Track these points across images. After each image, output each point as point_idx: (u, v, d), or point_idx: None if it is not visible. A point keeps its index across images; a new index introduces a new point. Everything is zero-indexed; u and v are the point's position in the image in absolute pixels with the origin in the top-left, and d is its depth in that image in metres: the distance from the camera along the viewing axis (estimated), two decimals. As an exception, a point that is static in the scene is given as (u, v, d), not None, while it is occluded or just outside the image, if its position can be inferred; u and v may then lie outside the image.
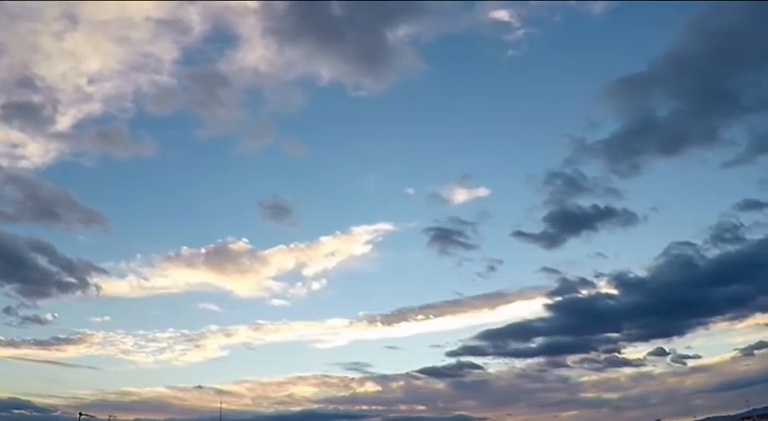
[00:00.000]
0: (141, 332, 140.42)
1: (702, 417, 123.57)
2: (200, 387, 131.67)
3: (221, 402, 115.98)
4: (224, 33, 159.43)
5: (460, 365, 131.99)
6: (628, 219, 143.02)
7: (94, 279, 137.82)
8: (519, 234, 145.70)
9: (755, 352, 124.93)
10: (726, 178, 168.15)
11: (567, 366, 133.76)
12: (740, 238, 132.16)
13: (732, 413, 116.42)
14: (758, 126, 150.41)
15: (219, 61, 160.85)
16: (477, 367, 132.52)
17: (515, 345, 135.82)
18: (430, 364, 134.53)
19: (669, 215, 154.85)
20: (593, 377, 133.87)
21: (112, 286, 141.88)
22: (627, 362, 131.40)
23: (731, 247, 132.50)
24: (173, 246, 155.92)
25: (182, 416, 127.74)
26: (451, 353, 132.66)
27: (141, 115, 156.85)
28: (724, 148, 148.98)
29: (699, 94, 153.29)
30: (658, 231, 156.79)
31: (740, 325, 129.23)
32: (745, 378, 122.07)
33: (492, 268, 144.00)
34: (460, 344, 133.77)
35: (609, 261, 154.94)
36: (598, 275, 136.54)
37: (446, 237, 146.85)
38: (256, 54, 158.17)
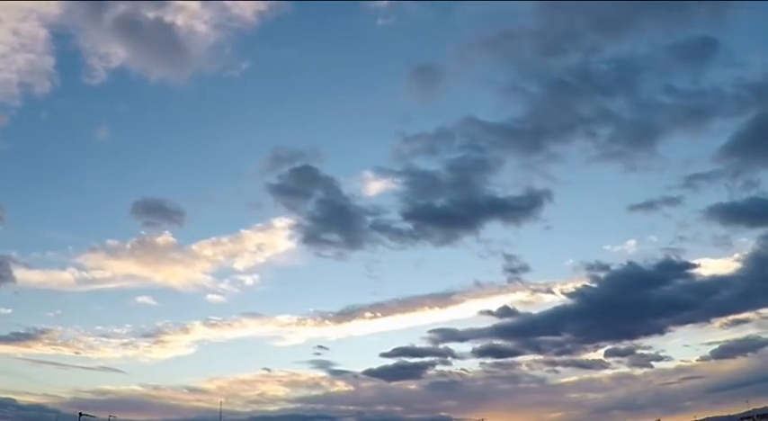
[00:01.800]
0: (99, 327, 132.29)
1: (702, 418, 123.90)
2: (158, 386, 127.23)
3: (221, 403, 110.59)
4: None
5: (424, 365, 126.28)
6: (506, 218, 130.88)
7: (18, 271, 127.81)
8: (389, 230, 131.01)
9: (728, 354, 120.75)
10: (599, 175, 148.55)
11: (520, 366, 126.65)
12: (647, 242, 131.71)
13: (732, 413, 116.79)
14: (624, 110, 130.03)
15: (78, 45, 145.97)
16: (439, 365, 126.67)
17: (471, 345, 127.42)
18: (384, 364, 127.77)
19: (553, 215, 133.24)
20: (575, 378, 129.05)
21: (55, 279, 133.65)
22: (586, 365, 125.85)
23: (640, 250, 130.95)
24: (95, 239, 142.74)
25: (171, 415, 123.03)
26: (412, 353, 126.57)
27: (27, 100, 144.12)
28: (586, 142, 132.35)
29: (523, 80, 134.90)
30: (539, 233, 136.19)
31: (700, 328, 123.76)
32: (734, 379, 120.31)
33: (371, 270, 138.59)
34: (419, 344, 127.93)
35: (503, 261, 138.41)
36: (503, 272, 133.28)
37: (315, 236, 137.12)
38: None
